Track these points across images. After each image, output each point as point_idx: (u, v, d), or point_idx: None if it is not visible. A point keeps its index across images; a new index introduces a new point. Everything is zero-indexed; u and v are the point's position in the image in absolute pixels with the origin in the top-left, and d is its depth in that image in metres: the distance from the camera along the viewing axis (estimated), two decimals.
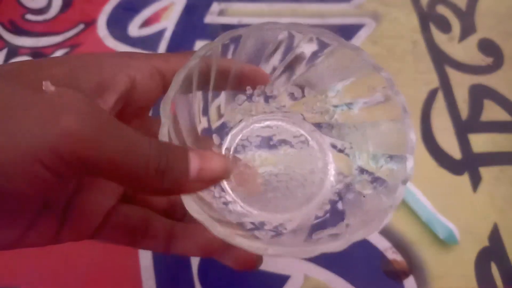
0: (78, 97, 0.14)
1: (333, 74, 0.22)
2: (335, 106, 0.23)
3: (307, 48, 0.21)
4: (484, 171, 0.35)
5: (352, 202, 0.21)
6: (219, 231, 0.16)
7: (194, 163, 0.15)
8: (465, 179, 0.34)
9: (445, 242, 0.31)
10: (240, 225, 0.20)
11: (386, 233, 0.32)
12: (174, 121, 0.18)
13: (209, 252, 0.19)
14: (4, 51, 0.40)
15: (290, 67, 0.22)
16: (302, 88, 0.23)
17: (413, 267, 0.31)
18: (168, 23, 0.42)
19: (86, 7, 0.42)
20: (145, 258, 0.30)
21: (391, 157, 0.19)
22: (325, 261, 0.30)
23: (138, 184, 0.14)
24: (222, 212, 0.20)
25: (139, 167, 0.14)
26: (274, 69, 0.22)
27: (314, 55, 0.21)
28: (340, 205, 0.21)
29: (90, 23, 0.41)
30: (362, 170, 0.21)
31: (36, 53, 0.40)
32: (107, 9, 0.42)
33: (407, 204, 0.32)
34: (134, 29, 0.41)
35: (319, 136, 0.24)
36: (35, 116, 0.13)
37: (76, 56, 0.18)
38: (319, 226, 0.20)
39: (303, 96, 0.24)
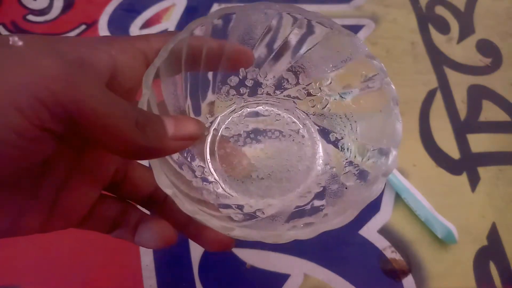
0: (52, 49, 0.13)
1: (327, 61, 0.21)
2: (328, 95, 0.23)
3: (305, 32, 0.20)
4: (483, 171, 0.35)
5: (334, 193, 0.20)
6: (186, 207, 0.16)
7: (169, 123, 0.16)
8: (463, 179, 0.34)
9: (444, 242, 0.31)
10: (218, 206, 0.20)
11: (385, 232, 0.32)
12: (160, 105, 0.17)
13: (165, 242, 0.19)
14: None
15: (284, 52, 0.22)
16: (296, 74, 0.23)
17: (412, 266, 0.31)
18: (169, 24, 0.42)
19: (87, 8, 0.43)
20: (146, 256, 0.30)
21: (377, 149, 0.19)
22: (324, 260, 0.31)
23: (121, 139, 0.14)
24: (201, 191, 0.20)
25: (120, 117, 0.13)
26: (270, 51, 0.22)
27: (310, 40, 0.21)
28: (322, 196, 0.21)
29: (92, 24, 0.41)
30: (349, 162, 0.21)
31: None
32: (108, 10, 0.43)
33: (406, 203, 0.33)
34: (135, 30, 0.41)
35: (310, 125, 0.24)
36: (9, 64, 0.12)
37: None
38: (297, 215, 0.20)
39: (297, 83, 0.23)
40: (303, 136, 0.24)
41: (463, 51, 0.41)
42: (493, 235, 0.32)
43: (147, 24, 0.42)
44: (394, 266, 0.31)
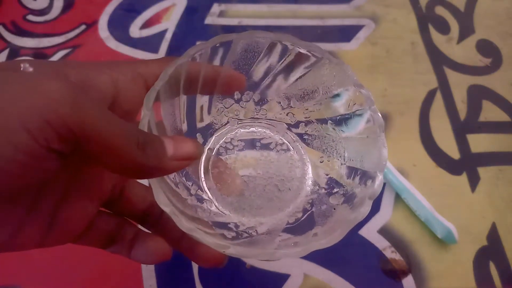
0: (58, 73, 0.14)
1: (318, 87, 0.22)
2: (318, 120, 0.24)
3: (296, 60, 0.21)
4: (483, 171, 0.35)
5: (323, 213, 0.21)
6: (183, 224, 0.16)
7: (169, 144, 0.16)
8: (463, 179, 0.34)
9: (444, 242, 0.31)
10: (212, 224, 0.21)
11: (385, 232, 0.32)
12: (159, 125, 0.18)
13: (160, 258, 0.20)
14: (6, 52, 0.40)
15: (277, 78, 0.23)
16: (289, 99, 0.24)
17: (412, 266, 0.31)
18: (169, 24, 0.42)
19: (87, 8, 0.43)
20: None
21: (364, 173, 0.20)
22: (324, 260, 0.31)
23: (123, 159, 0.14)
24: (195, 209, 0.21)
25: (122, 138, 0.14)
26: (264, 77, 0.23)
27: (302, 68, 0.22)
28: (311, 215, 0.22)
29: (92, 24, 0.41)
30: (337, 183, 0.22)
31: (38, 53, 0.40)
32: (108, 10, 0.43)
33: (406, 203, 0.33)
34: (135, 30, 0.41)
35: (301, 147, 0.25)
36: (19, 88, 0.13)
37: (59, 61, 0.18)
38: (288, 232, 0.20)
39: (290, 106, 0.24)
40: (293, 158, 0.25)
41: (463, 51, 0.41)
42: (493, 235, 0.32)
43: (147, 24, 0.42)
44: (394, 266, 0.31)
